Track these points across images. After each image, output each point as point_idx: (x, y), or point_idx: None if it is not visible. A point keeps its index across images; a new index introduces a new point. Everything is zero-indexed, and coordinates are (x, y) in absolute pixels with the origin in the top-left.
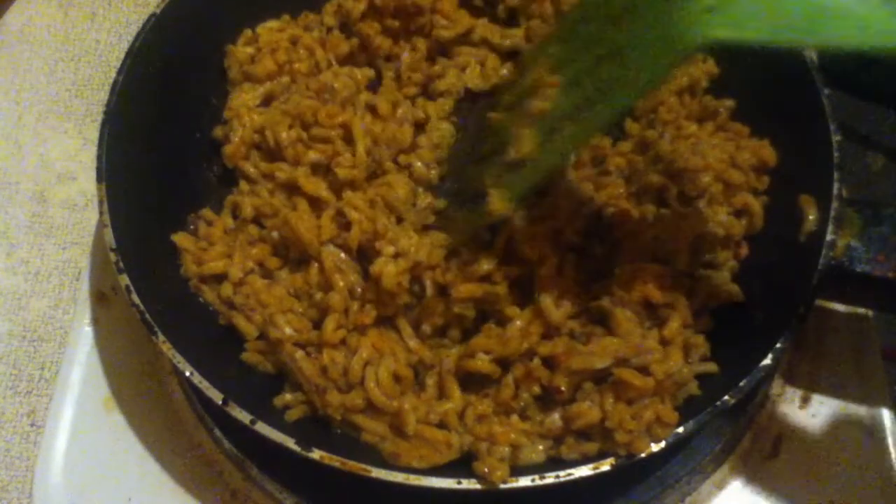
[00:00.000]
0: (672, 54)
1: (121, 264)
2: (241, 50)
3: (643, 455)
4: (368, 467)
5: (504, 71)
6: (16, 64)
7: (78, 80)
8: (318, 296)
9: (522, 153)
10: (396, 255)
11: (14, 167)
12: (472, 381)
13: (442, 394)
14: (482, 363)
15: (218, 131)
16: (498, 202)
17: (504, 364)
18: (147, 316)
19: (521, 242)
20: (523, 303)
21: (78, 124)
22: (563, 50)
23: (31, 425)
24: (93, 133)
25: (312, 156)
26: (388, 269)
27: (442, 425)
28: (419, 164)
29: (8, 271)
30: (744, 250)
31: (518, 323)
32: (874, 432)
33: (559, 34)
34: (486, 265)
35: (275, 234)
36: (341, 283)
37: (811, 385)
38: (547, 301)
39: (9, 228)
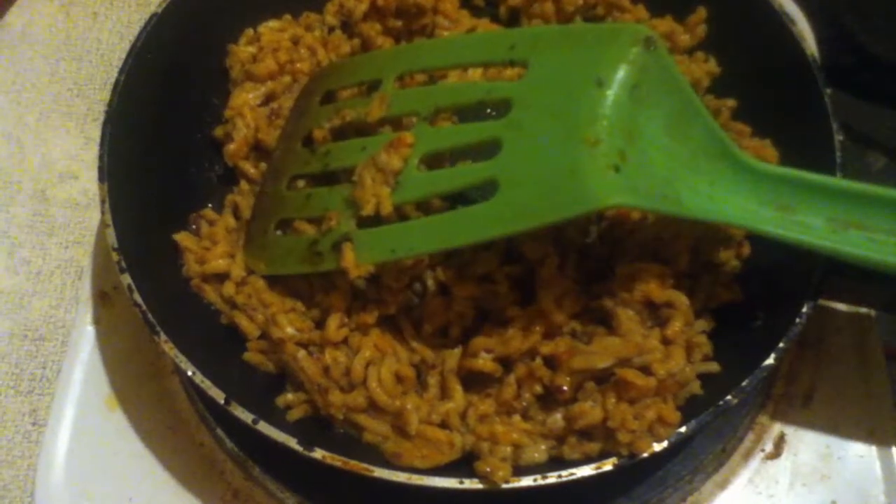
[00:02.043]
0: (563, 207)
1: (123, 264)
2: (242, 49)
3: (645, 455)
4: (371, 467)
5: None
6: (17, 63)
7: (80, 79)
8: (320, 295)
9: (378, 212)
10: None
11: (16, 166)
12: (474, 381)
13: (444, 393)
14: (484, 362)
15: (219, 131)
16: (350, 260)
17: (506, 363)
18: (149, 315)
19: (521, 242)
20: (525, 302)
21: (80, 124)
22: (426, 106)
23: (33, 424)
24: (94, 132)
25: None
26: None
27: (444, 425)
28: None
29: (10, 270)
30: (745, 250)
31: (519, 322)
32: (876, 432)
33: (435, 92)
34: (485, 265)
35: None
36: (343, 283)
37: (813, 385)
38: (548, 300)
39: (10, 228)
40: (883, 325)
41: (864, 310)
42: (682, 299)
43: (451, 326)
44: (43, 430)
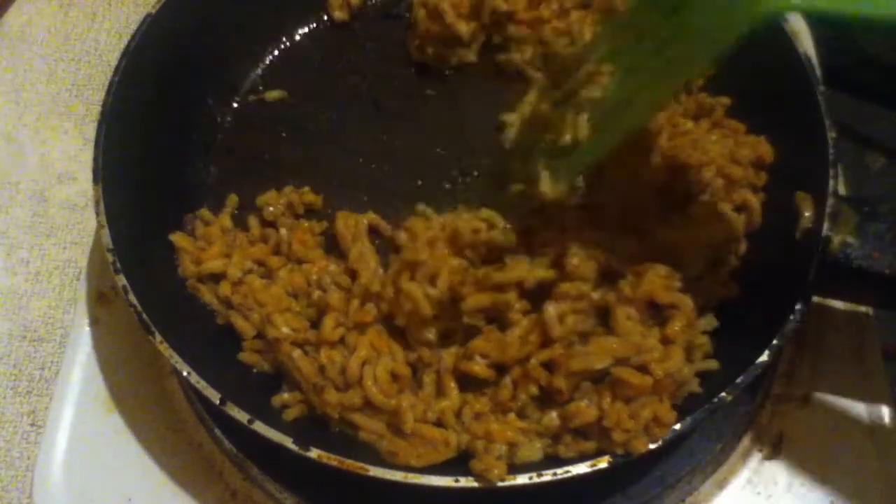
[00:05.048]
0: (740, 24)
1: (118, 265)
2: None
3: (640, 454)
4: (367, 466)
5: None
6: (16, 64)
7: (78, 80)
8: (316, 294)
9: (576, 138)
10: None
11: (14, 167)
12: (470, 381)
13: (439, 392)
14: (479, 367)
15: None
16: (548, 186)
17: (501, 369)
18: (144, 316)
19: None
20: (531, 306)
21: (78, 124)
22: (617, 39)
23: (32, 425)
24: (93, 133)
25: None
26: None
27: (439, 423)
28: None
29: (8, 271)
30: (742, 247)
31: (517, 330)
32: (875, 432)
33: (613, 26)
34: (515, 272)
35: (284, 231)
36: (366, 271)
37: (811, 384)
38: (551, 313)
39: (9, 228)
40: (881, 324)
41: (862, 309)
42: (686, 301)
43: (456, 332)
44: (41, 431)
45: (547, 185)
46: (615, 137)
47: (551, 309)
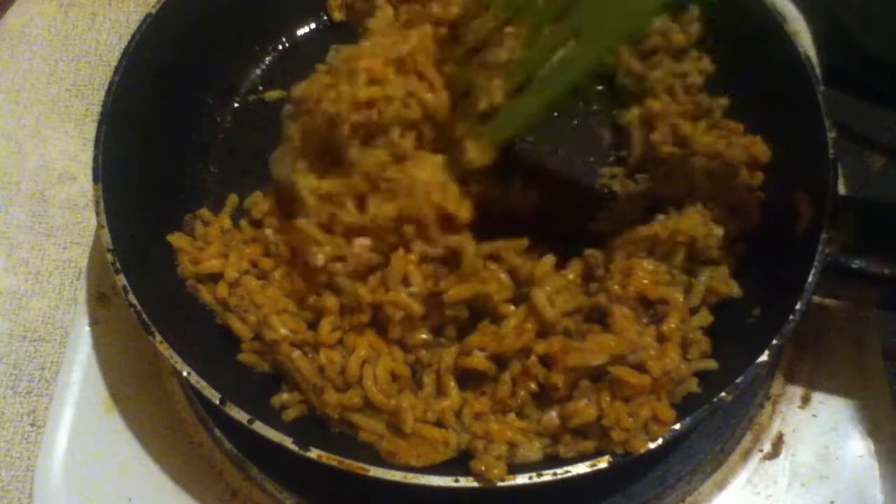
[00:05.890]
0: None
1: (117, 265)
2: None
3: (640, 453)
4: (366, 466)
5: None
6: (16, 64)
7: (78, 80)
8: (312, 298)
9: (492, 104)
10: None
11: (14, 167)
12: (469, 380)
13: (439, 392)
14: (479, 360)
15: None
16: (474, 152)
17: (501, 362)
18: (144, 316)
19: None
20: (519, 300)
21: (78, 124)
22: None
23: (32, 425)
24: (93, 133)
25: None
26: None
27: (439, 423)
28: None
29: (8, 271)
30: (740, 247)
31: (512, 320)
32: (875, 432)
33: None
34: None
35: (269, 232)
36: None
37: (811, 384)
38: (541, 298)
39: (9, 228)
40: (881, 324)
41: (862, 309)
42: (676, 296)
43: (446, 326)
44: (41, 431)
45: (472, 152)
46: (544, 98)
47: (540, 294)
